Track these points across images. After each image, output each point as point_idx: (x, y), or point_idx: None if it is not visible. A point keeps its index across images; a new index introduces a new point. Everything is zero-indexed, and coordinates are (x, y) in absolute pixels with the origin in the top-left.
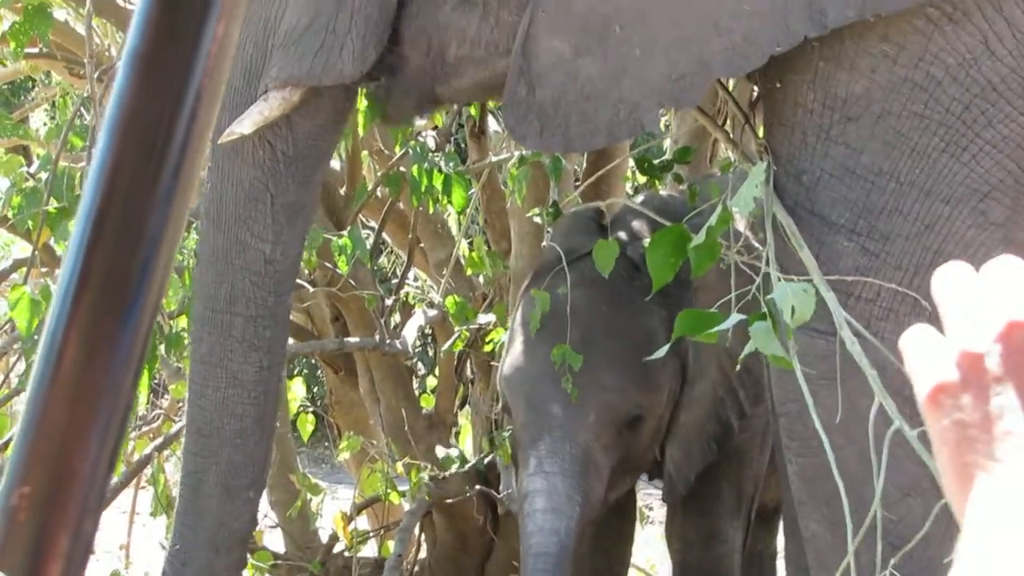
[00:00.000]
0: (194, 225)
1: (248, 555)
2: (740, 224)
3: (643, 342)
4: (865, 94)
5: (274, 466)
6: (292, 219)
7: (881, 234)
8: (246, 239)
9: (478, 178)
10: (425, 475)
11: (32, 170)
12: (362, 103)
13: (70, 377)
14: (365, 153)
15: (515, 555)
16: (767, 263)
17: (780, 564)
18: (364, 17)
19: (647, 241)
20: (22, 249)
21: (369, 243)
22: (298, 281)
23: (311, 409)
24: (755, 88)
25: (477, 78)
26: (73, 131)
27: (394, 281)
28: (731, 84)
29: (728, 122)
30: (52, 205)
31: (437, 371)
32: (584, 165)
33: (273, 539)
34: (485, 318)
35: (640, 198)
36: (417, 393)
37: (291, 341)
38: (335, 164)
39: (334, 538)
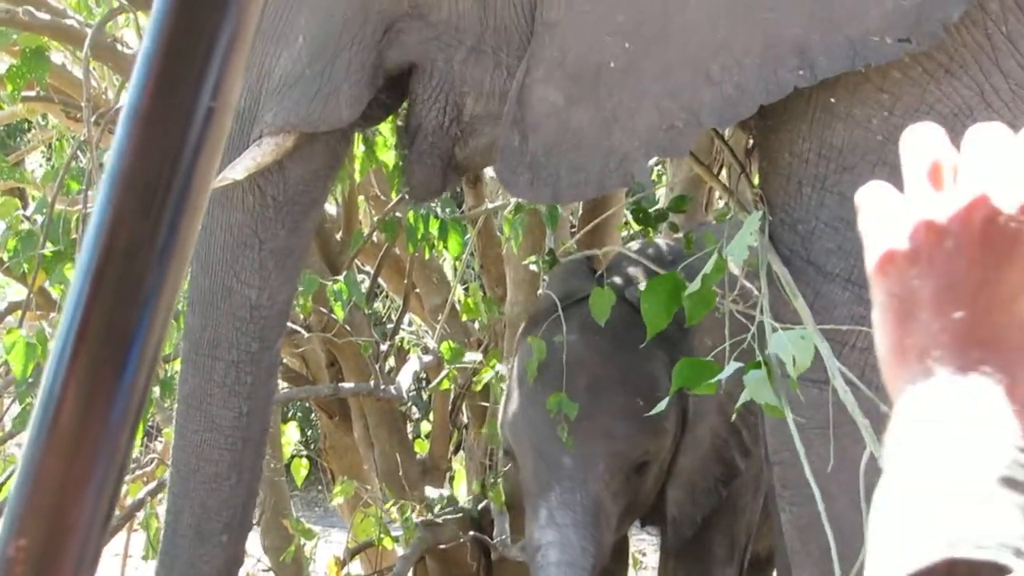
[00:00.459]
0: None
1: None
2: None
3: (648, 388)
4: (860, 144)
5: (267, 510)
6: (281, 265)
7: None
8: (232, 284)
9: (474, 224)
10: (417, 517)
11: (28, 213)
12: (359, 149)
13: (68, 430)
14: (361, 198)
15: None
16: (762, 312)
17: None
18: (359, 64)
19: (643, 285)
20: (17, 292)
21: (365, 288)
22: (293, 326)
23: (305, 453)
24: (750, 137)
25: (495, 135)
26: (69, 174)
27: (389, 325)
28: (727, 132)
29: (724, 170)
30: (48, 248)
31: (431, 416)
32: (580, 213)
33: None
34: (473, 355)
35: (636, 245)
36: (411, 438)
37: (286, 386)
38: (331, 209)
39: None
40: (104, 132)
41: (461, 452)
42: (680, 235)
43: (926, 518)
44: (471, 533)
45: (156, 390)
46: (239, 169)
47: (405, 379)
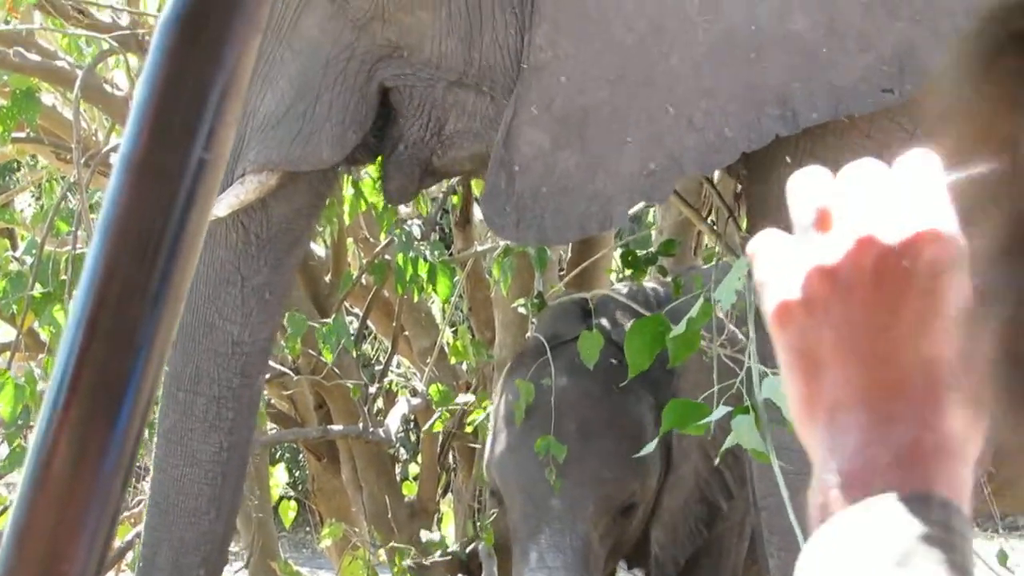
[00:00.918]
0: None
1: None
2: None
3: (635, 430)
4: None
5: (255, 552)
6: (263, 301)
7: None
8: (214, 320)
9: (463, 267)
10: (408, 561)
11: (17, 254)
12: (348, 191)
13: (59, 481)
14: (350, 241)
15: None
16: (750, 357)
17: None
18: (342, 105)
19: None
20: (6, 333)
21: (353, 330)
22: (282, 368)
23: (293, 495)
24: (739, 181)
25: (473, 150)
26: (59, 216)
27: (378, 368)
28: (715, 176)
29: (712, 214)
30: (37, 290)
31: (419, 458)
32: (569, 256)
33: None
34: (465, 397)
35: (624, 288)
36: (399, 480)
37: (274, 428)
38: (320, 251)
39: None
40: (94, 174)
41: (449, 494)
42: (669, 279)
43: None
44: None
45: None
46: (222, 206)
47: (393, 421)
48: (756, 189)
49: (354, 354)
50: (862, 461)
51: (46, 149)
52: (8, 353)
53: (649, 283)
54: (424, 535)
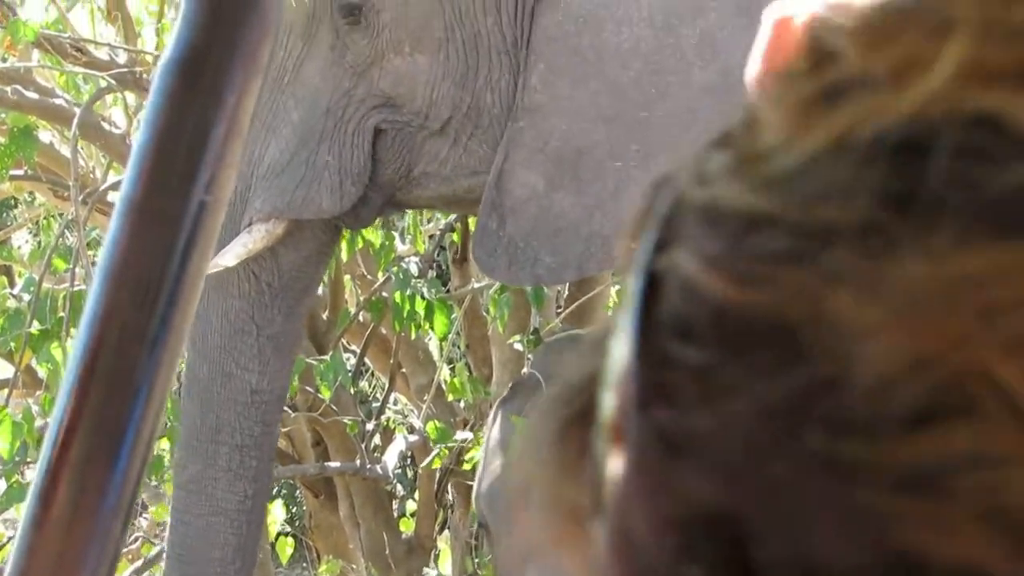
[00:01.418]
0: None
1: None
2: None
3: None
4: None
5: None
6: (278, 349)
7: None
8: (231, 369)
9: (460, 304)
10: None
11: (15, 291)
12: (345, 231)
13: (59, 524)
14: (347, 278)
15: None
16: None
17: None
18: (338, 154)
19: None
20: (4, 370)
21: (351, 367)
22: None
23: (290, 532)
24: None
25: (439, 192)
26: (57, 253)
27: (375, 404)
28: None
29: None
30: (35, 327)
31: (417, 495)
32: (566, 293)
33: None
34: (462, 434)
35: None
36: (396, 516)
37: None
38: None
39: None
40: (91, 211)
41: (446, 531)
42: None
43: None
44: None
45: None
46: (230, 256)
47: (391, 458)
48: None
49: (351, 391)
50: None
51: (44, 186)
52: (6, 390)
53: None
54: (422, 572)
